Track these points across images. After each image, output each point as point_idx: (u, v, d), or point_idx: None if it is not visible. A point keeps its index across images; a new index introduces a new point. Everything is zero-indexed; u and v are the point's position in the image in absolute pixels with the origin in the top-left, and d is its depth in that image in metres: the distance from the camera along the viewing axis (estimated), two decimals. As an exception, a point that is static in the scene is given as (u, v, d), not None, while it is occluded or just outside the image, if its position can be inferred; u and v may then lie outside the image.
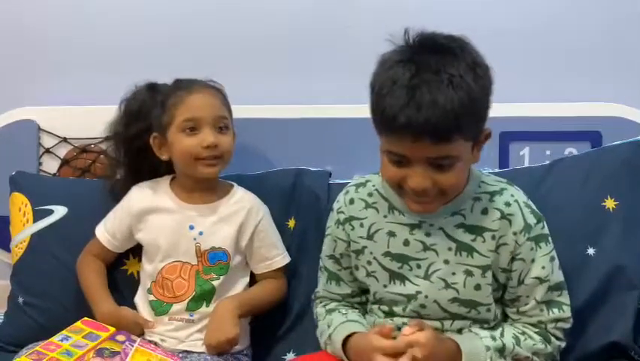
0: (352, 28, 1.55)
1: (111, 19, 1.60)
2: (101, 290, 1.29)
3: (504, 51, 1.46)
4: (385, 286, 1.12)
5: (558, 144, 1.45)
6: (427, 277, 1.10)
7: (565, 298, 1.12)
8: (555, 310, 1.10)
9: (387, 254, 1.12)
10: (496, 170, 1.39)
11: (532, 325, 1.11)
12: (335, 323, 1.14)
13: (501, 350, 1.06)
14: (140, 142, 1.30)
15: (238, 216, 1.29)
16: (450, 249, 1.09)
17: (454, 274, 1.09)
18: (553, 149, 1.45)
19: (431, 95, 0.94)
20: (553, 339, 1.11)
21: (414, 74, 0.95)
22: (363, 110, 1.49)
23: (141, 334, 1.25)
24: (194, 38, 1.58)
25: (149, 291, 1.27)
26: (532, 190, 1.27)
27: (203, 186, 1.29)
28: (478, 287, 1.09)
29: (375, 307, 1.16)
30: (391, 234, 1.11)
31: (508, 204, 1.09)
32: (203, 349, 1.23)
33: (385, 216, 1.12)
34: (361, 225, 1.14)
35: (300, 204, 1.39)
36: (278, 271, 1.32)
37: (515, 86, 1.45)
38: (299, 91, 1.54)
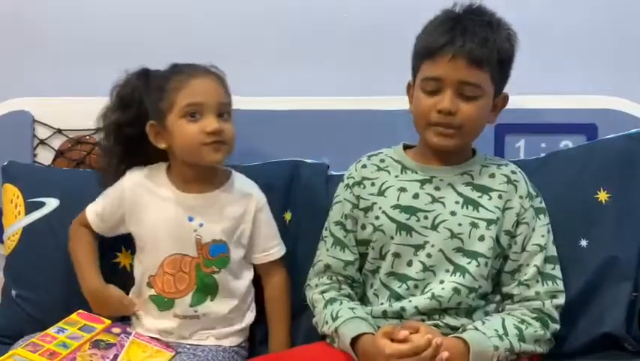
0: (350, 20, 1.54)
1: (107, 10, 1.58)
2: (90, 266, 1.25)
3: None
4: (392, 238, 1.17)
5: (554, 136, 1.46)
6: (433, 227, 1.15)
7: (558, 272, 1.17)
8: (550, 282, 1.15)
9: (396, 207, 1.18)
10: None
11: (530, 310, 1.13)
12: (343, 315, 1.13)
13: (510, 350, 1.07)
14: (131, 130, 1.25)
15: (239, 206, 1.25)
16: (457, 202, 1.17)
17: (460, 225, 1.15)
18: (548, 141, 1.45)
19: (472, 27, 1.12)
20: (550, 323, 1.13)
21: (458, 16, 1.15)
22: (360, 102, 1.51)
23: (123, 318, 1.23)
24: (191, 30, 1.57)
25: (149, 285, 1.24)
26: (527, 183, 1.29)
27: (202, 175, 1.24)
28: (482, 238, 1.14)
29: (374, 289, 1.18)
30: (402, 189, 1.19)
31: (514, 172, 1.21)
32: (209, 342, 1.23)
33: (397, 176, 1.22)
34: (372, 184, 1.22)
35: (297, 196, 1.37)
36: (277, 263, 1.29)
37: (511, 79, 1.45)
38: (296, 83, 1.54)
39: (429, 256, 1.15)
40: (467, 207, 1.16)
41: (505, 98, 1.21)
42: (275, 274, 1.30)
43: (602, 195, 1.28)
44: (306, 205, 1.36)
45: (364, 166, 1.25)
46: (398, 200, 1.19)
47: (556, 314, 1.15)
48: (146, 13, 1.57)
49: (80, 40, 1.59)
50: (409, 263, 1.16)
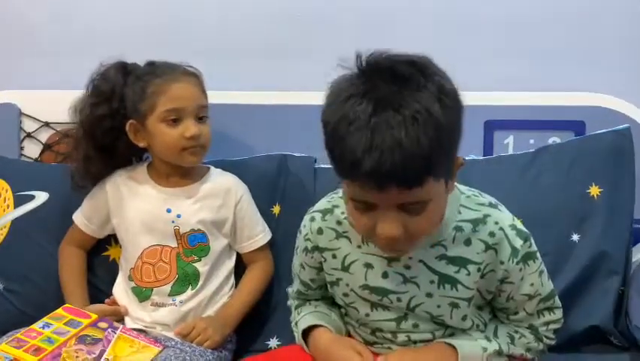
0: (336, 14, 1.54)
1: (93, 3, 1.57)
2: (75, 289, 1.29)
3: (489, 40, 1.47)
4: (368, 315, 1.05)
5: (542, 132, 1.46)
6: (410, 309, 1.02)
7: (556, 302, 1.07)
8: (546, 313, 1.06)
9: (365, 287, 1.03)
10: (481, 157, 1.40)
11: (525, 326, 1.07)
12: (304, 311, 1.11)
13: (499, 352, 1.02)
14: (107, 124, 1.26)
15: (216, 198, 1.29)
16: (432, 282, 1.00)
17: (438, 306, 1.01)
18: (537, 138, 1.45)
19: (394, 137, 0.80)
20: (545, 339, 1.07)
21: (372, 113, 0.82)
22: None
23: (121, 320, 1.25)
24: (174, 23, 1.56)
25: (130, 278, 1.26)
26: (517, 177, 1.29)
27: (181, 171, 1.29)
28: (464, 318, 1.03)
29: (360, 330, 1.11)
30: (368, 266, 1.02)
31: (492, 235, 0.98)
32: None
33: (359, 247, 1.03)
34: (334, 256, 1.05)
35: (284, 190, 1.38)
36: (263, 250, 1.32)
37: (500, 75, 1.45)
38: (282, 77, 1.53)
39: (415, 326, 1.03)
40: (444, 287, 0.99)
41: (461, 164, 0.93)
42: (260, 260, 1.32)
43: (594, 190, 1.29)
44: (294, 198, 1.36)
45: (320, 231, 1.05)
46: (366, 279, 1.02)
47: (551, 335, 1.07)
48: (133, 5, 1.56)
49: (67, 32, 1.57)
50: (394, 335, 1.05)
